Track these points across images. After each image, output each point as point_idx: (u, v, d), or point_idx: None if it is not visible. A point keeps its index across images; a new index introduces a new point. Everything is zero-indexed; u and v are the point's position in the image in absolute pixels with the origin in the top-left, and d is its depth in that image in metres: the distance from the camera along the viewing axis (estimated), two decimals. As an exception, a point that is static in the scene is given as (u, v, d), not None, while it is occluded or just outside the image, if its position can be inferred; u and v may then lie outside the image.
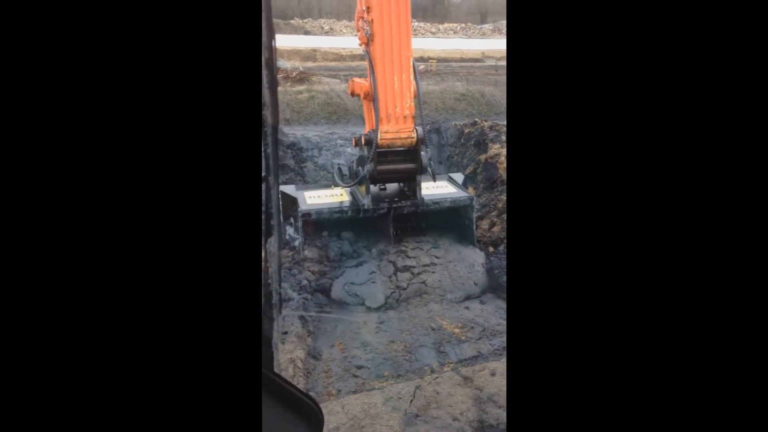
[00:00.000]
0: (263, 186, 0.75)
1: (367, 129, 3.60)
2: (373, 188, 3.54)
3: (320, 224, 3.62)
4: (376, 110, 3.20)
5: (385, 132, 3.22)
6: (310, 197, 3.65)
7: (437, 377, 2.63)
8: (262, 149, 0.74)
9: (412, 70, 3.32)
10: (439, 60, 11.28)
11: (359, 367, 2.76)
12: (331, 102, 7.46)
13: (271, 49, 0.65)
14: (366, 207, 3.40)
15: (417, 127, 3.38)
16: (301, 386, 2.62)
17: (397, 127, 3.25)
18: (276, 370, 0.71)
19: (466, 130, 5.56)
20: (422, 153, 3.41)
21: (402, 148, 3.40)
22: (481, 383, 2.59)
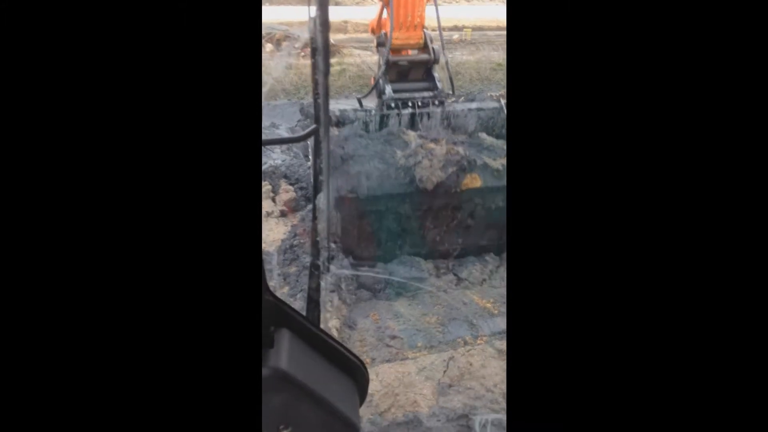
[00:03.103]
0: (313, 139, 0.74)
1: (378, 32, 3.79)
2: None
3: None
4: (392, 16, 3.44)
5: (396, 38, 3.52)
6: None
7: (470, 349, 2.65)
8: (314, 100, 0.72)
9: None
10: (474, 29, 10.86)
11: (393, 338, 2.81)
12: (363, 75, 7.37)
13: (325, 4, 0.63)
14: (387, 96, 3.43)
15: (426, 31, 3.61)
16: (336, 354, 2.72)
17: (407, 34, 3.54)
18: (324, 327, 0.72)
19: (503, 101, 5.38)
20: (433, 46, 3.60)
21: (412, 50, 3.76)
22: (515, 356, 2.59)
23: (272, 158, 4.29)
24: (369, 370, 2.59)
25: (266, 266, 3.13)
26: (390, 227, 3.01)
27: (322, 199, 0.79)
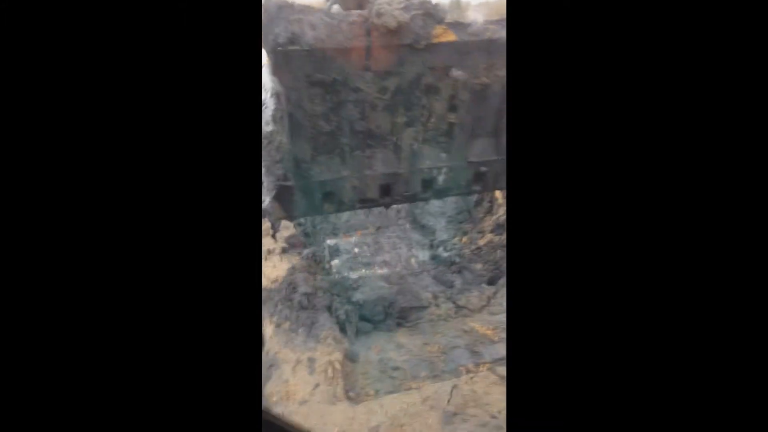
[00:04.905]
0: None
1: None
2: None
3: None
4: None
5: None
6: None
7: (473, 376, 2.67)
8: None
9: None
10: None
11: (396, 369, 2.84)
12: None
13: None
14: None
15: None
16: (339, 388, 2.72)
17: None
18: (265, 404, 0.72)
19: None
20: None
21: None
22: (517, 382, 2.62)
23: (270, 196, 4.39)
24: (374, 402, 2.58)
25: (269, 303, 3.16)
26: (352, 120, 2.26)
27: None
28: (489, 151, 2.56)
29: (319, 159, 2.34)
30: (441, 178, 2.64)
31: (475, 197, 4.45)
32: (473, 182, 2.67)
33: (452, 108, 2.41)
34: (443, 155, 2.54)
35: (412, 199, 2.69)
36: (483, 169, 2.64)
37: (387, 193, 2.57)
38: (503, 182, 2.70)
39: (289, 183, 2.37)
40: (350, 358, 2.91)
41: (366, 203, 2.59)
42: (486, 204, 4.40)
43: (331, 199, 2.48)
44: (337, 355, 2.91)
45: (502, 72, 2.42)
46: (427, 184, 2.62)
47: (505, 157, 2.57)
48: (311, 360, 2.93)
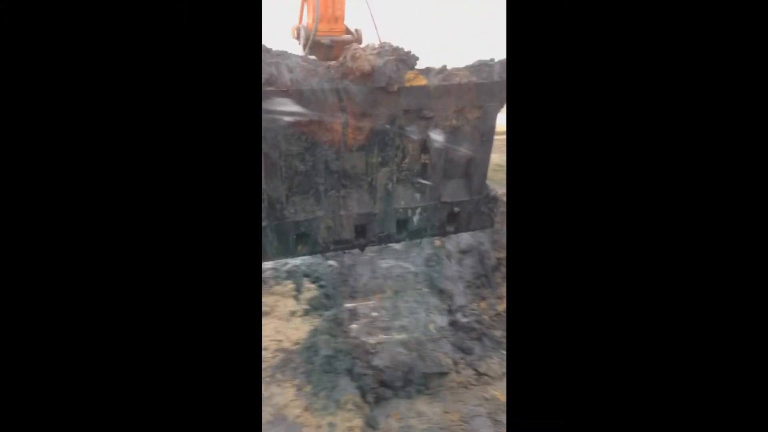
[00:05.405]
0: None
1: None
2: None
3: None
4: (317, 6, 3.37)
5: (318, 31, 3.44)
6: None
7: (496, 447, 2.62)
8: None
9: None
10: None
11: (416, 437, 2.79)
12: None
13: None
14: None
15: (347, 25, 3.47)
16: (359, 456, 2.67)
17: (328, 26, 3.50)
18: None
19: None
20: (356, 29, 3.42)
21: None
22: (542, 455, 2.54)
23: (293, 259, 4.55)
24: (394, 472, 2.53)
25: (291, 365, 3.19)
26: (327, 160, 2.34)
27: None
28: (461, 191, 2.61)
29: (293, 199, 2.35)
30: (416, 219, 2.67)
31: (492, 262, 4.54)
32: (447, 222, 2.70)
33: (424, 150, 2.48)
34: (417, 195, 2.59)
35: (387, 240, 2.69)
36: (456, 209, 2.68)
37: (362, 233, 2.57)
38: (477, 223, 2.79)
39: (262, 224, 2.35)
40: (370, 424, 2.89)
41: (341, 244, 2.59)
42: (503, 269, 4.47)
43: (305, 240, 2.48)
44: (358, 422, 2.89)
45: (471, 115, 2.51)
46: (402, 224, 2.66)
47: (476, 197, 2.69)
48: (331, 425, 2.91)
